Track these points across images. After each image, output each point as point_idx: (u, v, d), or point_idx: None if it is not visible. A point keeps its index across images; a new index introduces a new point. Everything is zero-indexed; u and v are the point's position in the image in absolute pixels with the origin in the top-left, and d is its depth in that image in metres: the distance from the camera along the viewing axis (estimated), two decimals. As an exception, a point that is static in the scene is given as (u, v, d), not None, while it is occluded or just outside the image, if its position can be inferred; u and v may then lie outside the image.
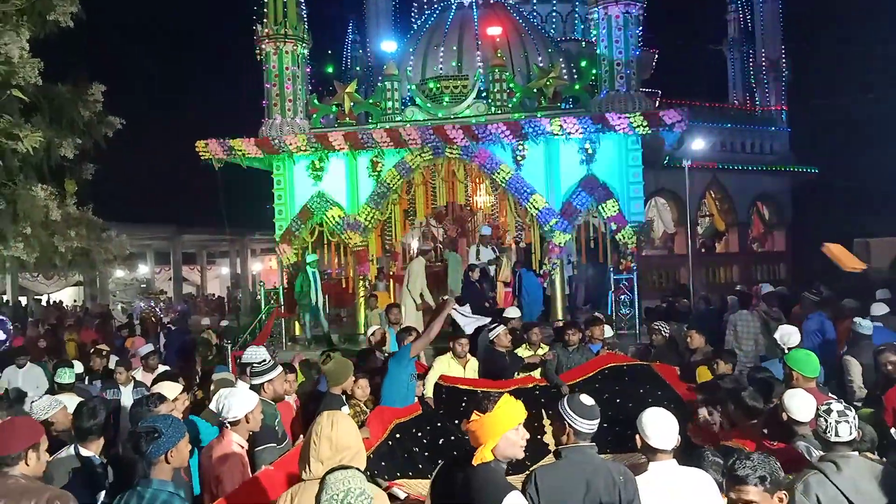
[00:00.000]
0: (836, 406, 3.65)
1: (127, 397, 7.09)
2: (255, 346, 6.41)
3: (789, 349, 6.06)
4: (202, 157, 13.36)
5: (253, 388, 4.91)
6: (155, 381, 4.96)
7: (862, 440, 4.06)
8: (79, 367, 7.76)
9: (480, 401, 3.29)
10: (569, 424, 3.51)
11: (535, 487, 3.35)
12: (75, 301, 29.40)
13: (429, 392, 7.07)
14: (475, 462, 3.18)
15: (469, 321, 8.34)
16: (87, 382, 8.02)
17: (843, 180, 26.58)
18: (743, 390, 4.97)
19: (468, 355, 7.53)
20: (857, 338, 7.17)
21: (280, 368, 5.23)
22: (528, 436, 3.35)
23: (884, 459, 3.93)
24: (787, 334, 6.41)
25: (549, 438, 5.85)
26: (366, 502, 2.74)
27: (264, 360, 5.22)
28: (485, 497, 3.08)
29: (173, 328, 15.54)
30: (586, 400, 3.55)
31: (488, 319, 8.25)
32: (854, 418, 3.62)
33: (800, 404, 4.33)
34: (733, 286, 19.76)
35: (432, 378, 7.22)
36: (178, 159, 20.18)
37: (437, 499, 3.40)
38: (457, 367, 7.39)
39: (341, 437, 3.16)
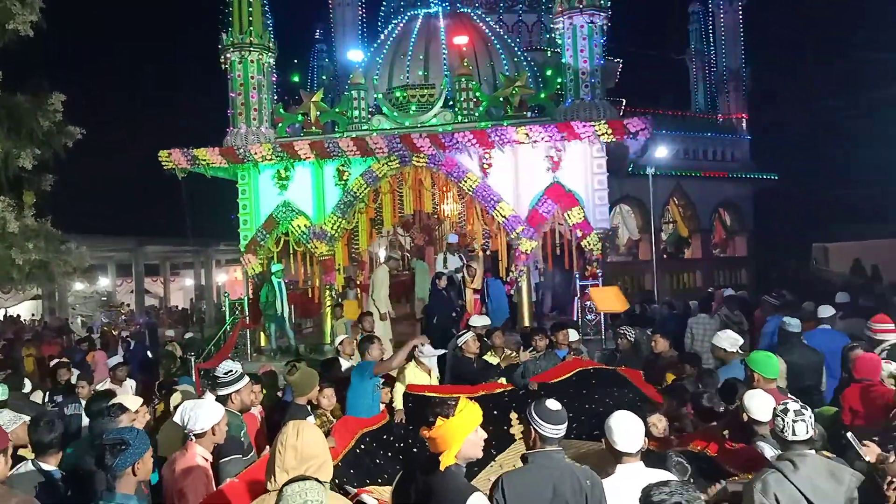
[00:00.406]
0: (793, 405, 3.72)
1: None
2: (227, 360, 6.32)
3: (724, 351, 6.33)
4: (165, 168, 13.18)
5: (219, 399, 4.84)
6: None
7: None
8: (28, 384, 7.65)
9: (440, 405, 3.34)
10: (535, 430, 3.52)
11: (501, 492, 3.36)
12: (33, 315, 28.71)
13: (398, 403, 7.04)
14: (442, 467, 3.23)
15: (432, 359, 8.29)
16: (48, 397, 7.85)
17: (803, 187, 27.21)
18: (702, 394, 5.04)
19: (433, 365, 7.53)
20: (785, 336, 7.33)
21: (247, 379, 5.16)
22: (485, 436, 3.44)
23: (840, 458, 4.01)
24: (721, 339, 6.51)
25: (515, 430, 5.98)
26: None
27: (230, 371, 5.14)
28: (449, 501, 3.12)
29: (134, 342, 15.28)
30: (552, 405, 3.56)
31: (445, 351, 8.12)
32: (810, 417, 3.68)
33: (759, 404, 4.42)
34: (697, 291, 20.12)
35: (400, 388, 7.19)
36: (141, 170, 19.92)
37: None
38: (421, 375, 7.39)
39: (307, 446, 3.14)
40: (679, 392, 5.32)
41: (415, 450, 5.66)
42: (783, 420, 3.65)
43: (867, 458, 4.08)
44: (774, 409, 3.78)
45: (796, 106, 28.49)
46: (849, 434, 4.20)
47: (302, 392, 5.63)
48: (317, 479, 2.88)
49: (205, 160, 12.98)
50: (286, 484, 2.78)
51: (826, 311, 8.18)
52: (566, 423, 3.54)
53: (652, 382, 7.09)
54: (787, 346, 7.02)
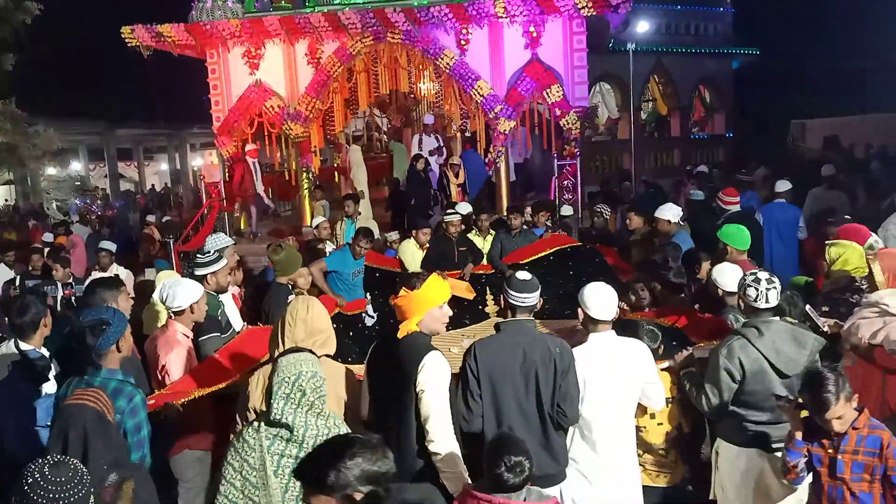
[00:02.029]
0: (763, 275, 3.83)
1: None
2: (220, 233, 6.38)
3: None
4: (129, 45, 12.67)
5: (197, 279, 4.92)
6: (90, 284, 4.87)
7: (792, 308, 4.33)
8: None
9: (408, 278, 3.49)
10: (507, 301, 3.66)
11: (473, 358, 3.52)
12: (6, 200, 28.34)
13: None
14: (400, 334, 3.39)
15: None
16: (19, 282, 7.90)
17: (784, 62, 26.82)
18: (668, 269, 5.21)
19: (428, 243, 7.81)
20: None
21: (224, 260, 5.21)
22: (451, 313, 3.58)
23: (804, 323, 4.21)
24: (664, 211, 6.83)
25: (490, 309, 6.26)
26: (317, 383, 2.83)
27: (208, 252, 5.20)
28: (409, 360, 3.31)
29: (115, 225, 15.23)
30: (523, 275, 3.70)
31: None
32: (778, 285, 3.83)
33: (730, 277, 4.58)
34: (675, 170, 20.23)
35: (411, 264, 7.47)
36: (106, 49, 19.09)
37: (371, 369, 3.58)
38: (420, 253, 7.69)
39: (315, 320, 3.47)
40: (650, 267, 5.49)
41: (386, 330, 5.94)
42: (756, 289, 3.76)
43: (825, 329, 4.29)
44: (744, 278, 3.89)
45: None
46: (807, 307, 4.38)
47: (285, 272, 5.73)
48: (310, 351, 3.04)
49: (170, 37, 12.47)
50: (281, 355, 2.90)
51: (782, 185, 8.56)
52: (538, 291, 3.65)
53: (625, 258, 7.29)
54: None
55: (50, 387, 3.80)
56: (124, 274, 7.80)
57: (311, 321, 3.46)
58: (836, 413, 3.15)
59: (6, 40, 11.20)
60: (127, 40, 12.56)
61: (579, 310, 3.80)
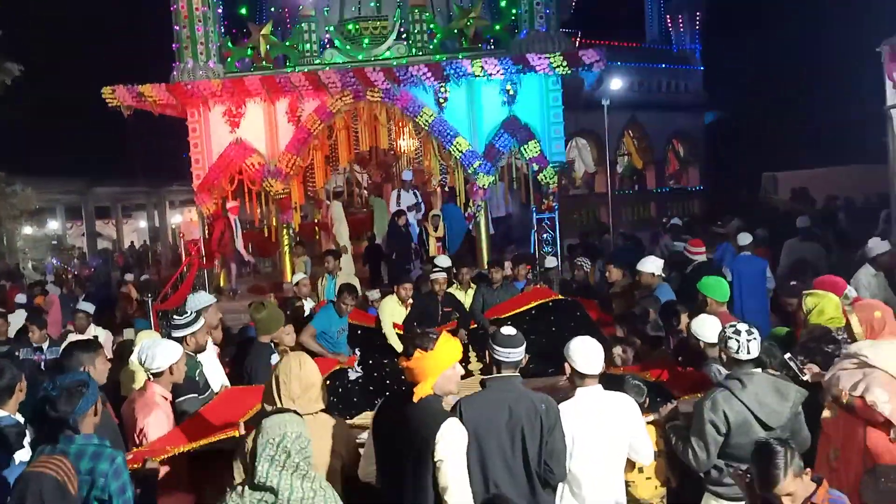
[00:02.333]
0: (742, 326, 3.85)
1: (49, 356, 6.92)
2: (201, 292, 6.32)
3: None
4: (110, 105, 12.73)
5: (176, 340, 4.86)
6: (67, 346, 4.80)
7: (772, 359, 4.35)
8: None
9: (421, 338, 3.40)
10: (492, 357, 3.65)
11: (459, 414, 3.48)
12: (-18, 260, 27.96)
13: (392, 339, 7.21)
14: (416, 398, 3.31)
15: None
16: None
17: (754, 117, 27.54)
18: (646, 323, 5.25)
19: (411, 299, 7.69)
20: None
21: (203, 321, 5.15)
22: (462, 372, 3.52)
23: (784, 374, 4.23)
24: (645, 264, 6.94)
25: (473, 366, 6.22)
26: (301, 444, 2.79)
27: (186, 313, 5.14)
28: (425, 426, 3.24)
29: (91, 286, 15.05)
30: (507, 330, 3.70)
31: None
32: (758, 336, 3.86)
33: (710, 329, 4.62)
34: (651, 222, 20.49)
35: (388, 323, 7.37)
36: (85, 108, 19.17)
37: (379, 431, 3.52)
38: (401, 310, 7.56)
39: (308, 375, 3.53)
40: (629, 319, 5.53)
41: (370, 386, 5.88)
42: (737, 341, 3.77)
43: (805, 377, 4.32)
44: (724, 330, 3.91)
45: (751, 34, 28.56)
46: (786, 355, 4.42)
47: (267, 330, 5.67)
48: (295, 412, 3.03)
49: (151, 97, 12.56)
50: (264, 417, 2.86)
51: (745, 238, 8.72)
52: (523, 346, 3.66)
53: (605, 311, 7.32)
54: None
55: (24, 454, 3.70)
56: (103, 335, 7.68)
57: (304, 377, 3.51)
58: (784, 489, 2.95)
59: (-14, 101, 11.19)
60: (108, 100, 12.63)
61: (565, 364, 3.79)
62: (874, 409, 3.82)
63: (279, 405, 3.40)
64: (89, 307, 8.05)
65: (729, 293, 5.71)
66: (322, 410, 3.63)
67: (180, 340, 4.82)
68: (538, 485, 3.50)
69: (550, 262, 10.42)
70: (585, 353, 3.73)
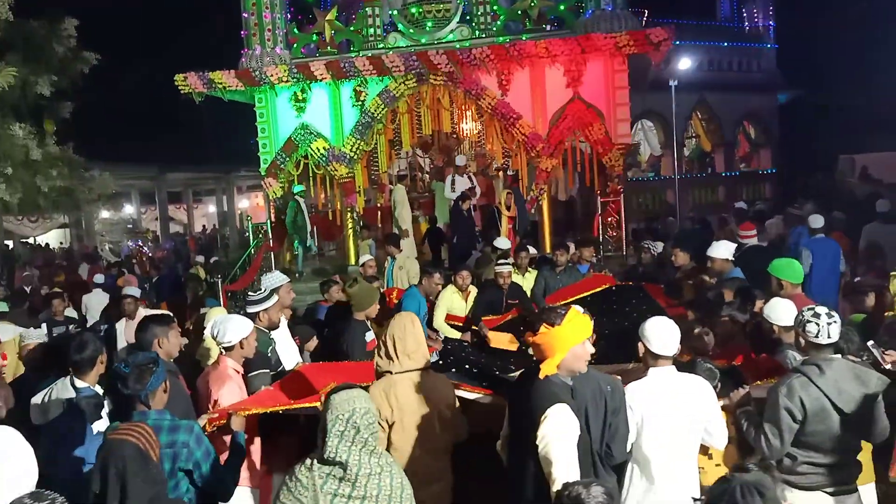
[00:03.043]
0: (822, 309, 3.68)
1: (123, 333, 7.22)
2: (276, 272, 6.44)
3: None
4: (182, 92, 13.10)
5: (248, 316, 4.97)
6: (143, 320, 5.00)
7: (850, 345, 4.17)
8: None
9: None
10: None
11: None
12: (61, 243, 29.23)
13: (439, 323, 7.22)
14: (542, 375, 3.26)
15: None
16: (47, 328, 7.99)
17: (830, 97, 26.40)
18: (725, 305, 5.08)
19: (470, 287, 7.60)
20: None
21: (276, 298, 5.23)
22: (593, 350, 3.40)
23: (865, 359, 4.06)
24: (717, 249, 6.68)
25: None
26: (370, 420, 2.80)
27: (260, 290, 5.25)
28: (539, 406, 3.21)
29: (164, 267, 15.57)
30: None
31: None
32: (838, 320, 3.70)
33: (783, 312, 4.45)
34: (719, 206, 19.94)
35: (440, 312, 7.36)
36: (159, 96, 19.79)
37: (512, 405, 3.61)
38: (459, 299, 7.50)
39: (419, 333, 3.84)
40: (704, 304, 5.39)
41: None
42: (817, 324, 3.61)
43: (886, 366, 4.13)
44: (802, 314, 3.73)
45: (826, 11, 27.34)
46: (869, 343, 4.23)
47: (360, 306, 5.68)
48: (363, 387, 3.02)
49: (221, 83, 12.87)
50: (332, 393, 2.90)
51: (816, 221, 8.57)
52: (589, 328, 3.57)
53: (672, 295, 7.15)
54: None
55: (102, 424, 3.85)
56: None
57: (418, 333, 3.81)
58: None
59: (66, 90, 11.66)
60: (180, 87, 13.00)
61: (640, 344, 3.71)
62: None
63: (398, 363, 3.72)
64: (135, 291, 8.22)
65: (802, 274, 5.50)
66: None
67: (254, 317, 4.93)
68: (600, 466, 3.44)
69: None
70: (661, 333, 3.64)
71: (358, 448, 2.75)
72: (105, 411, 4.03)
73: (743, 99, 23.29)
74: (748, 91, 23.30)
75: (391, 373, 3.78)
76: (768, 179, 24.09)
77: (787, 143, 25.01)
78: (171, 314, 5.29)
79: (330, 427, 2.76)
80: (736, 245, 6.96)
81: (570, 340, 3.25)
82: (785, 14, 24.61)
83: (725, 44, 23.20)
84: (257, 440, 4.21)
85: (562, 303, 6.86)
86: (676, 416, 3.57)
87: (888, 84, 25.19)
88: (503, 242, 9.41)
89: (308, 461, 2.84)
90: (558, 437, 3.11)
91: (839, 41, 27.50)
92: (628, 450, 3.56)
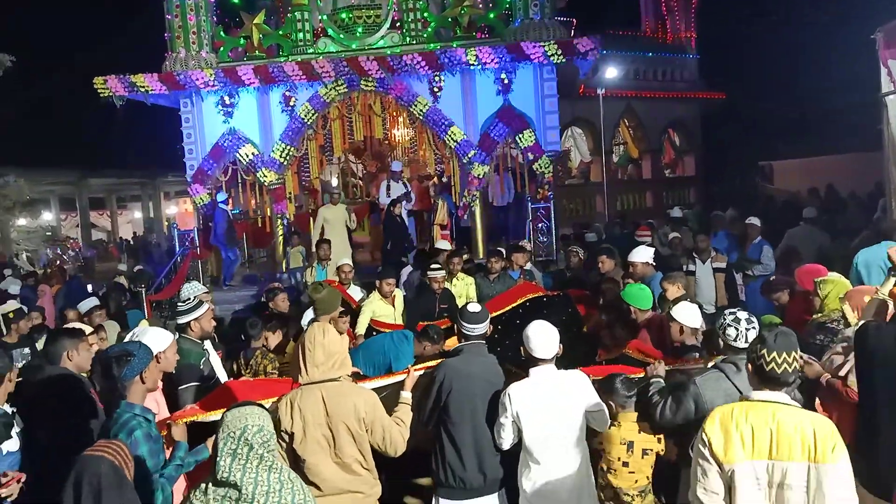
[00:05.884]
0: (742, 314, 3.84)
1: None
2: (194, 282, 6.28)
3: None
4: (102, 96, 12.65)
5: (179, 327, 4.81)
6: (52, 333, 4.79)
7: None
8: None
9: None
10: (461, 331, 4.26)
11: (442, 373, 4.15)
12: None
13: (360, 330, 7.16)
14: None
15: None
16: None
17: (749, 105, 27.47)
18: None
19: (394, 291, 7.67)
20: None
21: (206, 305, 5.07)
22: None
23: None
24: (637, 254, 6.95)
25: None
26: (264, 437, 2.71)
27: (189, 299, 5.08)
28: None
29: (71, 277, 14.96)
30: (473, 308, 4.29)
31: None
32: (757, 325, 3.85)
33: (691, 314, 4.85)
34: (647, 212, 20.48)
35: (364, 319, 7.31)
36: (79, 99, 19.05)
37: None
38: (384, 305, 7.49)
39: (331, 343, 3.76)
40: (616, 308, 5.65)
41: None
42: (736, 328, 3.76)
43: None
44: (723, 318, 3.88)
45: (746, 21, 28.45)
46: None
47: (325, 311, 5.58)
48: (259, 405, 2.93)
49: (143, 87, 12.49)
50: (227, 410, 2.81)
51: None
52: (486, 321, 4.25)
53: (597, 300, 7.28)
54: None
55: (12, 444, 3.67)
56: (113, 326, 7.68)
57: (328, 345, 3.74)
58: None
59: (-23, 92, 11.11)
60: (99, 90, 12.55)
61: (522, 349, 4.00)
62: (850, 391, 3.87)
63: (305, 375, 3.70)
64: (96, 302, 8.01)
65: (651, 300, 5.68)
66: (349, 377, 3.92)
67: (184, 327, 4.77)
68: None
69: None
70: (540, 337, 3.93)
71: (254, 465, 2.65)
72: (15, 430, 3.85)
73: (667, 107, 24.01)
74: (672, 99, 24.04)
75: (300, 385, 3.80)
76: (693, 184, 24.90)
77: (709, 149, 25.91)
78: (82, 329, 5.09)
79: (222, 446, 2.66)
80: (654, 250, 7.20)
81: None
82: (706, 25, 25.49)
83: (650, 53, 23.86)
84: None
85: (497, 312, 6.94)
86: (556, 408, 3.89)
87: (803, 93, 26.42)
88: (444, 244, 9.50)
89: (203, 485, 2.72)
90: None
91: (758, 51, 28.70)
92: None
